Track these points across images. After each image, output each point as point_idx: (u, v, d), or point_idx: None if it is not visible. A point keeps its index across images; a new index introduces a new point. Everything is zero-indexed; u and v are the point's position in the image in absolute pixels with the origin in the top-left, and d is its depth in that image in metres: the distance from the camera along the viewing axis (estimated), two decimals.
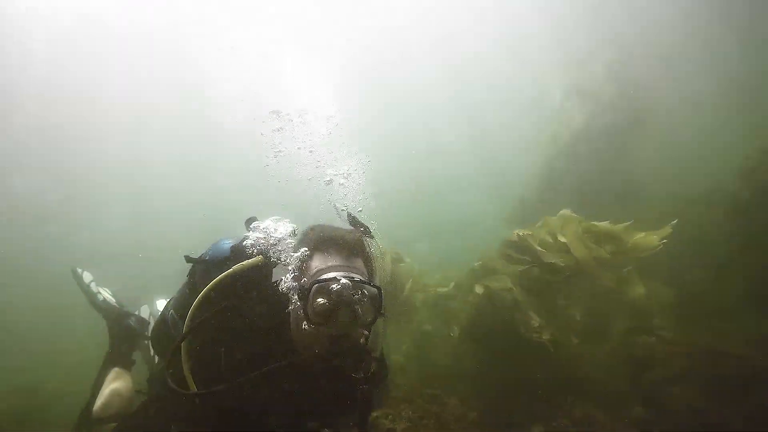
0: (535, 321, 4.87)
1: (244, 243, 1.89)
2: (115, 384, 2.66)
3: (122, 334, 3.02)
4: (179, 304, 2.11)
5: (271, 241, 1.82)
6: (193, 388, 1.57)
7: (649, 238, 5.00)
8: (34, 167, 15.49)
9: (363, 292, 1.51)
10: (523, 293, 5.04)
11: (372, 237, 1.78)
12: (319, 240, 1.64)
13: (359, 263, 1.64)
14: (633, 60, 10.09)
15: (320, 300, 1.47)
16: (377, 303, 1.54)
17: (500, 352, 5.04)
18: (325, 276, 1.52)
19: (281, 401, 1.60)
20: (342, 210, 1.95)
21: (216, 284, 1.73)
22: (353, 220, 1.84)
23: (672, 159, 9.93)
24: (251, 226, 1.94)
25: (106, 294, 3.40)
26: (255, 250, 1.82)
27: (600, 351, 5.11)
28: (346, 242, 1.62)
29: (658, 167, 9.53)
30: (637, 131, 9.41)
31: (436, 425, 4.27)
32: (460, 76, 16.65)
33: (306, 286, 1.52)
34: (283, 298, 1.63)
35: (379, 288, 1.54)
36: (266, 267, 1.77)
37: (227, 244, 2.00)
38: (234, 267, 1.75)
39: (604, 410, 4.55)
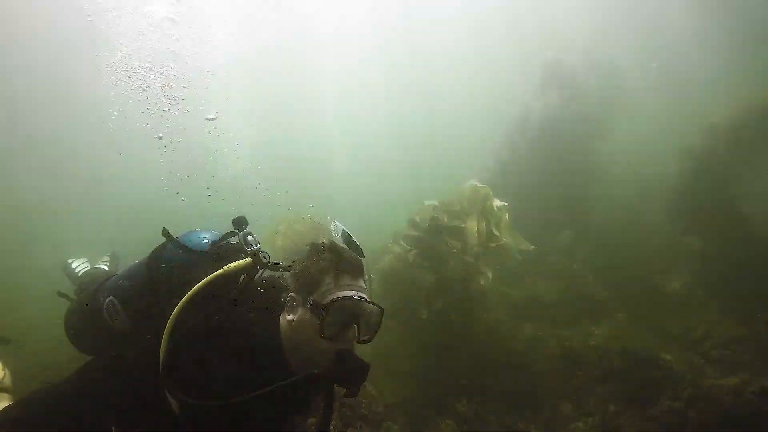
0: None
1: (227, 241, 1.86)
2: None
3: None
4: (126, 294, 1.89)
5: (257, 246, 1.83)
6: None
7: None
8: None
9: (370, 312, 1.61)
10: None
11: (363, 256, 1.84)
12: (341, 259, 1.64)
13: (364, 283, 1.71)
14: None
15: (338, 316, 1.53)
16: (379, 322, 1.65)
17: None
18: (347, 293, 1.57)
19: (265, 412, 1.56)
20: (341, 227, 1.99)
21: (204, 285, 1.65)
22: (348, 239, 1.90)
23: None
24: (243, 229, 1.88)
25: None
26: (246, 252, 1.79)
27: None
28: (360, 263, 1.69)
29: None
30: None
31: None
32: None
33: (326, 301, 1.54)
34: (270, 306, 1.67)
35: (381, 309, 1.64)
36: (254, 271, 1.76)
37: (204, 237, 1.92)
38: (225, 267, 1.70)
39: None
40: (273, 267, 1.81)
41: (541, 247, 8.17)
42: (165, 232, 1.93)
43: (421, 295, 5.44)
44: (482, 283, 5.32)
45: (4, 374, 2.35)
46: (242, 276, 1.75)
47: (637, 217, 8.27)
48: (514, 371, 5.46)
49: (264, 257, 1.76)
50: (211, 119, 8.21)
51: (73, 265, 3.40)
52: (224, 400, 1.40)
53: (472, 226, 5.22)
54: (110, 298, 1.89)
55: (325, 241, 1.75)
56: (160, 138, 6.28)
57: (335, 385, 1.63)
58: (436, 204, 5.63)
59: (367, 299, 1.62)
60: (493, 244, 5.16)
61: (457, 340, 5.56)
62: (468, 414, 5.02)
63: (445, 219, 5.45)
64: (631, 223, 8.20)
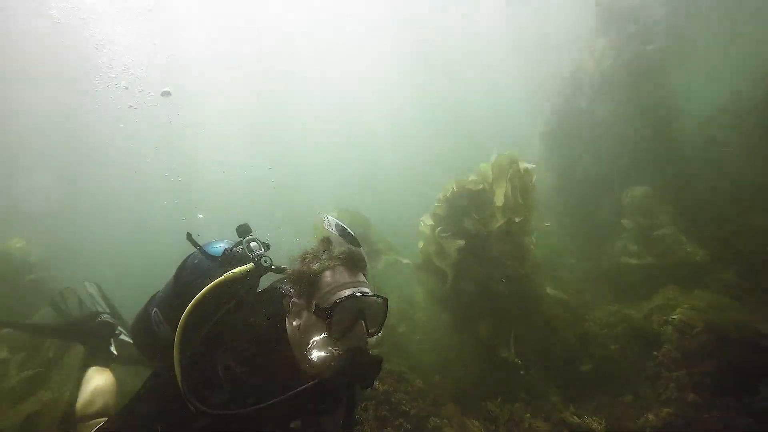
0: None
1: (235, 249, 1.95)
2: (96, 382, 2.60)
3: (94, 332, 2.98)
4: (164, 303, 2.06)
5: (262, 250, 1.91)
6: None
7: None
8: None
9: (374, 304, 1.61)
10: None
11: (360, 246, 1.83)
12: (336, 257, 1.64)
13: (364, 275, 1.71)
14: None
15: (344, 316, 1.52)
16: (384, 312, 1.64)
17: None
18: (348, 291, 1.56)
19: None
20: (334, 221, 1.98)
21: (207, 292, 1.73)
22: (343, 231, 1.90)
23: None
24: (247, 236, 1.98)
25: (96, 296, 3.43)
26: (250, 257, 1.87)
27: None
28: (356, 256, 1.67)
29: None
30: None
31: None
32: None
33: (328, 304, 1.53)
34: (274, 308, 1.68)
35: (385, 299, 1.63)
36: (257, 275, 1.82)
37: (220, 246, 2.02)
38: (225, 275, 1.77)
39: None
40: (277, 270, 1.85)
41: (611, 207, 7.13)
42: (189, 237, 2.04)
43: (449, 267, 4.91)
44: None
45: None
46: (246, 281, 1.78)
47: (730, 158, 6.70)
48: (577, 353, 4.69)
49: (265, 261, 1.82)
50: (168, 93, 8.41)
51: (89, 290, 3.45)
52: (235, 409, 1.42)
53: (500, 193, 4.59)
54: (155, 309, 2.07)
55: (320, 240, 1.73)
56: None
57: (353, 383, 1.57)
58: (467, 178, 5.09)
59: (370, 293, 1.59)
60: (518, 219, 4.46)
61: (511, 322, 4.92)
62: (520, 408, 4.40)
63: (471, 188, 4.88)
64: (726, 166, 6.69)
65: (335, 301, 1.51)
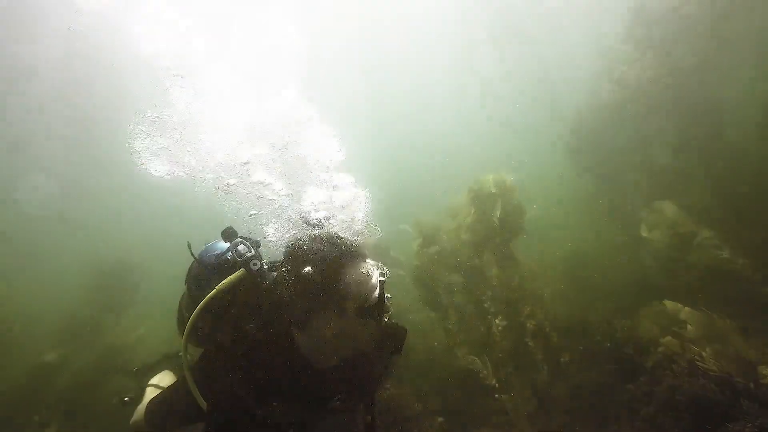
0: None
1: (226, 255, 1.88)
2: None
3: None
4: (185, 303, 2.07)
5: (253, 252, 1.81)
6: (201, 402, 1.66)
7: None
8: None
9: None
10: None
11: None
12: (347, 254, 1.62)
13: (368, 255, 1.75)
14: None
15: (375, 295, 1.58)
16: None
17: None
18: (376, 279, 1.61)
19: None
20: (311, 219, 1.95)
21: (203, 308, 1.73)
22: (319, 223, 1.92)
23: None
24: (233, 239, 1.89)
25: None
26: (240, 262, 1.77)
27: None
28: (357, 244, 1.68)
29: None
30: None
31: None
32: None
33: (371, 301, 1.57)
34: (278, 308, 1.63)
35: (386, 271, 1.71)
36: (250, 279, 1.74)
37: (216, 250, 1.97)
38: (217, 287, 1.73)
39: None
40: (271, 269, 1.76)
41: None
42: (188, 246, 1.99)
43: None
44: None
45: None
46: (241, 287, 1.72)
47: None
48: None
49: (254, 265, 1.71)
50: None
51: None
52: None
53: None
54: (187, 314, 2.02)
55: (319, 249, 1.62)
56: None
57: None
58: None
59: (384, 270, 1.65)
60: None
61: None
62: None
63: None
64: None
65: (376, 297, 1.57)
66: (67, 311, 7.80)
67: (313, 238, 1.64)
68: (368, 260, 1.64)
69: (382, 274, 1.61)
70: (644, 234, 6.40)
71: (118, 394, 2.42)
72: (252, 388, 1.55)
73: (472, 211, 4.99)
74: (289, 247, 1.66)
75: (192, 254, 1.98)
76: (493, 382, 4.74)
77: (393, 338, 1.60)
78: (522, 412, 4.52)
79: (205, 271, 1.89)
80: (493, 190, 4.84)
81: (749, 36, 6.75)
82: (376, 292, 1.56)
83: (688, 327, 4.34)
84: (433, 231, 5.28)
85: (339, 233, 1.70)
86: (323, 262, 1.54)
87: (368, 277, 1.58)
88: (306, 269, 1.52)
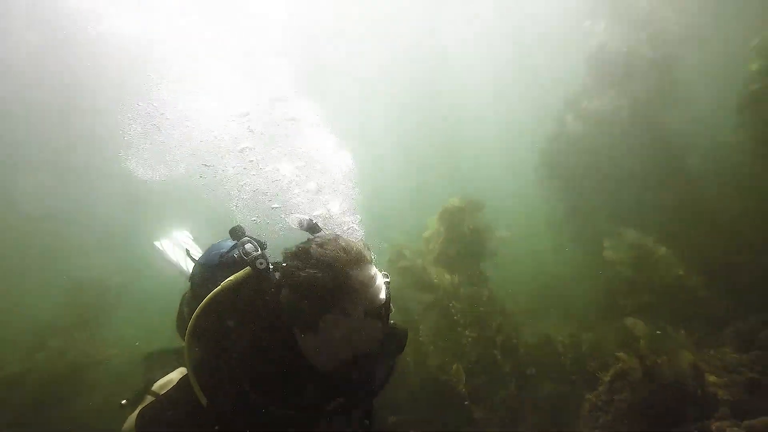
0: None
1: (231, 253, 1.87)
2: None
3: None
4: (187, 300, 2.02)
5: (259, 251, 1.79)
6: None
7: None
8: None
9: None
10: None
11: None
12: (354, 255, 1.61)
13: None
14: None
15: (383, 296, 1.59)
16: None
17: None
18: (381, 279, 1.63)
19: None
20: (307, 219, 1.90)
21: (204, 307, 1.71)
22: (311, 224, 1.87)
23: None
24: (242, 238, 1.88)
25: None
26: (246, 261, 1.75)
27: None
28: (360, 247, 1.66)
29: None
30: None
31: None
32: None
33: (378, 302, 1.58)
34: (282, 308, 1.60)
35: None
36: (255, 279, 1.72)
37: (220, 249, 1.95)
38: (222, 284, 1.71)
39: None
40: (276, 268, 1.73)
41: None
42: (187, 253, 2.02)
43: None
44: None
45: None
46: (246, 287, 1.71)
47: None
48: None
49: (260, 264, 1.69)
50: None
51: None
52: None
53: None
54: (187, 309, 2.00)
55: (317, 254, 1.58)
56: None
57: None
58: None
59: (386, 274, 1.68)
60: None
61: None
62: None
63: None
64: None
65: (383, 298, 1.58)
66: (43, 322, 7.66)
67: (319, 240, 1.63)
68: (372, 263, 1.64)
69: (386, 275, 1.65)
70: (607, 256, 6.78)
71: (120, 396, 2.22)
72: (253, 387, 1.55)
73: (443, 230, 5.25)
74: (295, 248, 1.63)
75: (192, 258, 2.02)
76: (463, 389, 4.85)
77: (395, 338, 1.65)
78: (492, 420, 4.66)
79: (210, 268, 1.88)
80: (461, 206, 5.11)
81: (698, 74, 7.41)
82: (383, 293, 1.58)
83: (641, 342, 4.62)
84: (404, 248, 5.50)
85: (341, 235, 1.69)
86: (331, 264, 1.53)
87: (374, 278, 1.59)
88: (313, 271, 1.52)
